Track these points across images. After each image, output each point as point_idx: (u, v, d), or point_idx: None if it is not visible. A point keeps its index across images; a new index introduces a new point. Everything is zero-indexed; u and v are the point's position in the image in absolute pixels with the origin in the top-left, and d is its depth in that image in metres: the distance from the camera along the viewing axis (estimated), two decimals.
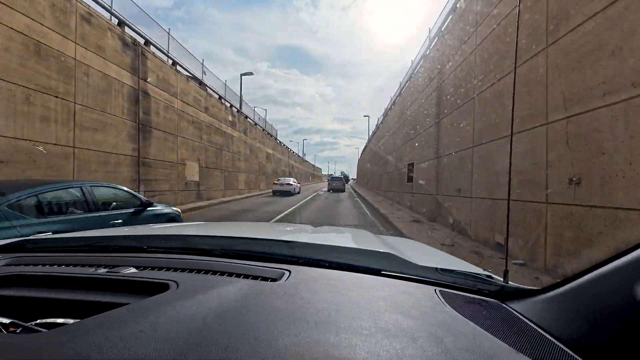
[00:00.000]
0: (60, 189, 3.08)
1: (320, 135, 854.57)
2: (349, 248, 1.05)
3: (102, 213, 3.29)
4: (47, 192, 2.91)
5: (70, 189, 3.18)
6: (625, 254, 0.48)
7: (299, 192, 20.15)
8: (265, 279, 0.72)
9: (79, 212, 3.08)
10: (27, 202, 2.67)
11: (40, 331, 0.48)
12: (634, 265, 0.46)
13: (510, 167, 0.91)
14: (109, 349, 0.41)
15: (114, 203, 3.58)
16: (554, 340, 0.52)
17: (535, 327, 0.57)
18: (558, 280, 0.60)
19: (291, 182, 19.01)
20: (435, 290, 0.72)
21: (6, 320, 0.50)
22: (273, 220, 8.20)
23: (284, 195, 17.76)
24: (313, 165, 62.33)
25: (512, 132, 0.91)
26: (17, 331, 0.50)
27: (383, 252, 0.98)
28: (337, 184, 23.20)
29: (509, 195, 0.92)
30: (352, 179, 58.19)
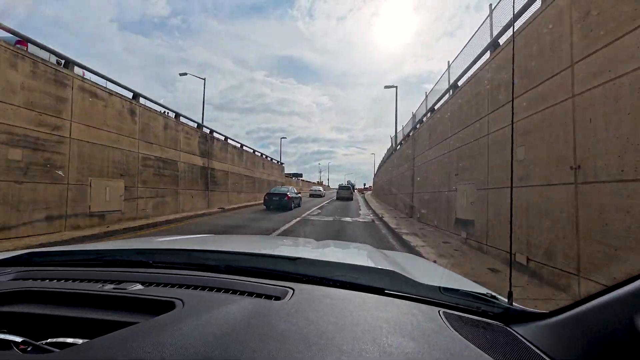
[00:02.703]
0: (290, 187, 16.17)
1: (318, 144, 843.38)
2: (353, 265, 1.05)
3: (295, 195, 15.76)
4: (291, 188, 15.89)
5: (290, 187, 16.27)
6: (627, 283, 0.48)
7: (324, 195, 32.33)
8: (269, 297, 0.73)
9: (292, 193, 15.41)
10: (292, 190, 15.51)
11: (51, 351, 0.51)
12: (635, 295, 0.47)
13: (511, 201, 0.97)
14: None
15: (294, 191, 16.13)
16: None
17: (539, 352, 0.56)
18: (565, 305, 0.59)
19: (320, 189, 32.02)
20: (439, 311, 0.72)
21: (18, 339, 0.52)
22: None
23: (316, 197, 29.60)
24: (263, 156, 23.05)
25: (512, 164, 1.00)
26: (28, 349, 0.52)
27: (386, 270, 0.98)
28: (345, 193, 26.34)
29: (511, 217, 0.99)
30: (357, 188, 59.17)
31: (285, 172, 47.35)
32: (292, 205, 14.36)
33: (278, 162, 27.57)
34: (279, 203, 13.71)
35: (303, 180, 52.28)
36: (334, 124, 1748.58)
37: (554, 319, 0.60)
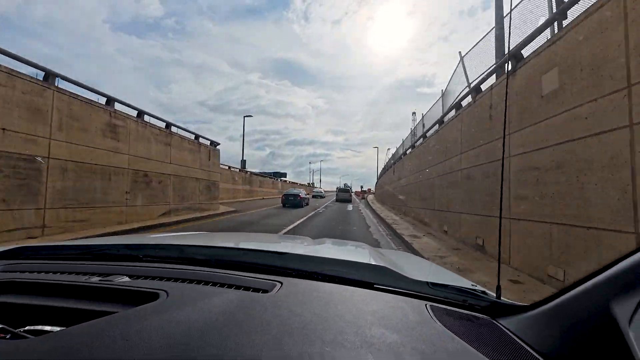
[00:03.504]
0: (301, 190, 20.55)
1: (314, 146, 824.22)
2: (343, 261, 1.04)
3: (305, 196, 20.01)
4: (302, 191, 20.30)
5: (301, 190, 20.58)
6: (605, 270, 0.49)
7: (325, 197, 35.76)
8: (256, 290, 0.73)
9: (303, 194, 19.67)
10: (302, 192, 19.84)
11: (27, 337, 0.50)
12: (611, 282, 0.47)
13: (501, 193, 0.98)
14: (91, 356, 0.43)
15: (304, 193, 20.37)
16: (540, 358, 0.52)
17: (522, 344, 0.57)
18: (547, 296, 0.60)
19: (322, 191, 35.80)
20: (426, 305, 0.72)
21: None
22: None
23: (317, 198, 32.66)
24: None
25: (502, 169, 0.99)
26: (7, 337, 0.51)
27: (376, 265, 0.98)
28: (344, 195, 27.47)
29: (501, 214, 0.97)
30: (355, 191, 56.82)
31: (266, 170, 41.02)
32: (303, 203, 18.67)
33: (206, 140, 12.85)
34: (293, 202, 18.08)
35: (285, 181, 45.02)
36: (330, 126, 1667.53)
37: (536, 310, 0.60)
